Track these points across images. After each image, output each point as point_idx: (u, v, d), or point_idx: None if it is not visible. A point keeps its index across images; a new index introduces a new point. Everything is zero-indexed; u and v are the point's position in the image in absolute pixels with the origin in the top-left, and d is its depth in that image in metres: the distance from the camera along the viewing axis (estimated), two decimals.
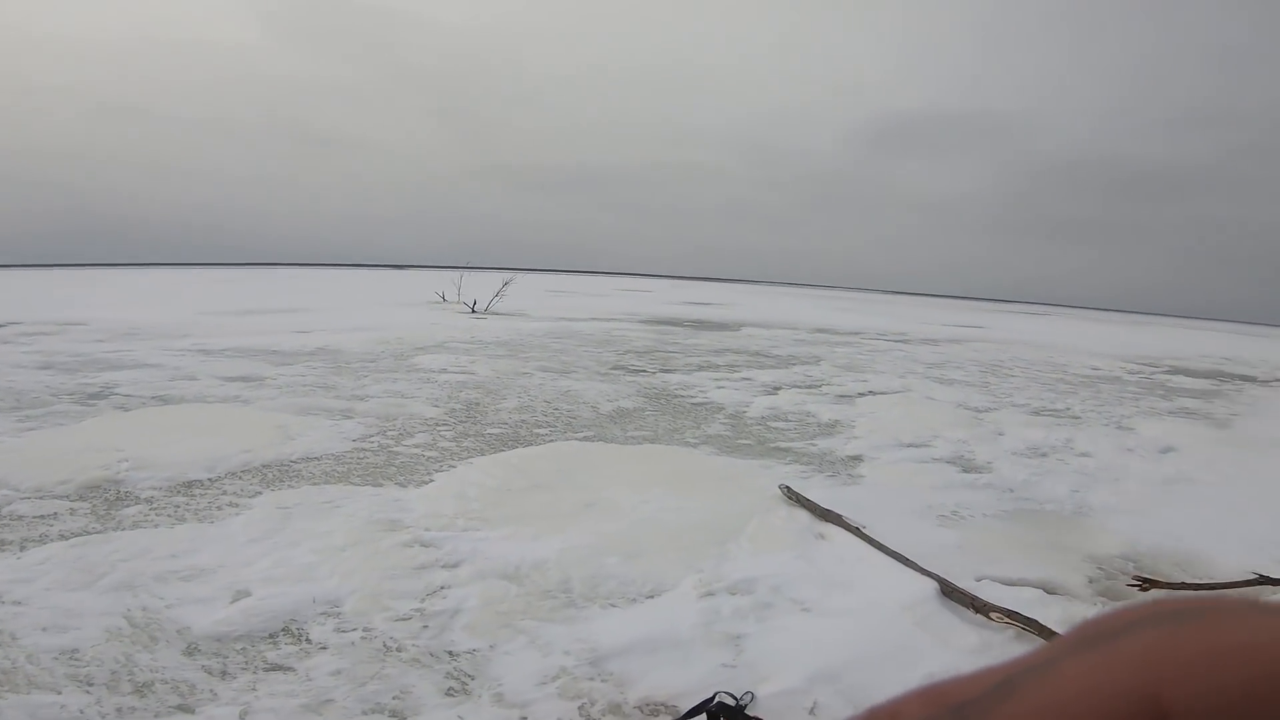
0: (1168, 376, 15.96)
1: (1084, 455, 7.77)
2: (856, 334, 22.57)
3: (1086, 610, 4.07)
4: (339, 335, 14.43)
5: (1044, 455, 7.71)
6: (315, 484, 5.56)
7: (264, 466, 5.93)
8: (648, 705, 3.14)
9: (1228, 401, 12.86)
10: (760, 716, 2.55)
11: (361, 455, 6.38)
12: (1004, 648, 3.63)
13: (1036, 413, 10.12)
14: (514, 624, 3.70)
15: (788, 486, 5.98)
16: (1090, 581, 4.54)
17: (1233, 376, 17.24)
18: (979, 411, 9.87)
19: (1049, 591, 4.30)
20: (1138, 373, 16.24)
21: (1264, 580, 4.41)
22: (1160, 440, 8.70)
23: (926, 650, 3.58)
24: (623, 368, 12.57)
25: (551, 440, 7.35)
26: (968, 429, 8.56)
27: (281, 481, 5.61)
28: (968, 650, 3.60)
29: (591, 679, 3.27)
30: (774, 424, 8.74)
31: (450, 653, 3.42)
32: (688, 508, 5.59)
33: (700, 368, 13.03)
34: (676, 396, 10.16)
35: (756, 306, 38.33)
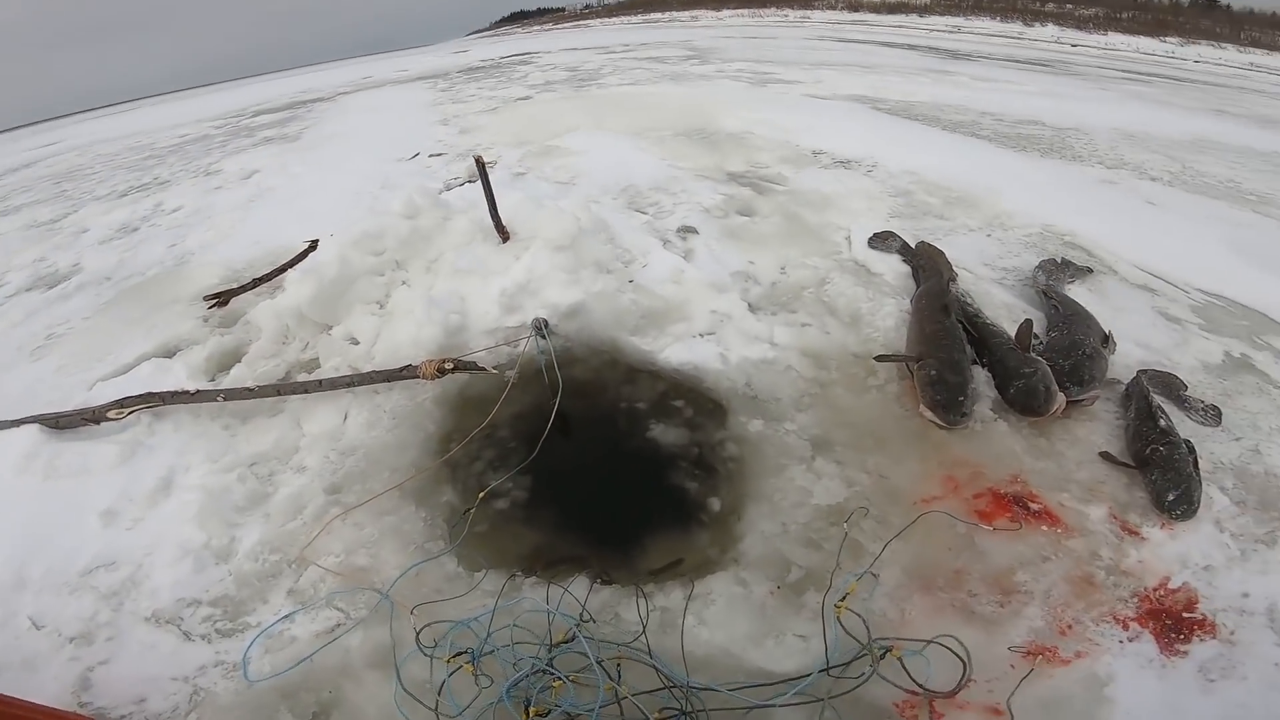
0: (252, 119, 16.59)
1: (175, 211, 7.35)
2: None
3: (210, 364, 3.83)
4: None
5: (135, 230, 6.92)
6: None
7: None
8: None
9: (300, 121, 14.36)
10: None
11: None
12: (143, 433, 3.21)
13: (123, 195, 8.90)
14: None
15: None
16: (204, 322, 4.28)
17: (307, 102, 19.28)
18: (50, 225, 7.96)
19: (167, 355, 3.93)
20: (224, 125, 16.28)
21: (312, 245, 4.52)
22: (244, 169, 9.01)
23: (71, 495, 2.93)
24: None
25: None
26: (38, 250, 6.79)
27: None
28: (112, 462, 3.07)
29: None
30: None
31: None
32: None
33: None
34: None
35: None
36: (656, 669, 1.98)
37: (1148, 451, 2.57)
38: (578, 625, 2.10)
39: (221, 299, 4.24)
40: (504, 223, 3.68)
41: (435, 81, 18.38)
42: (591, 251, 3.70)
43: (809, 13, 44.23)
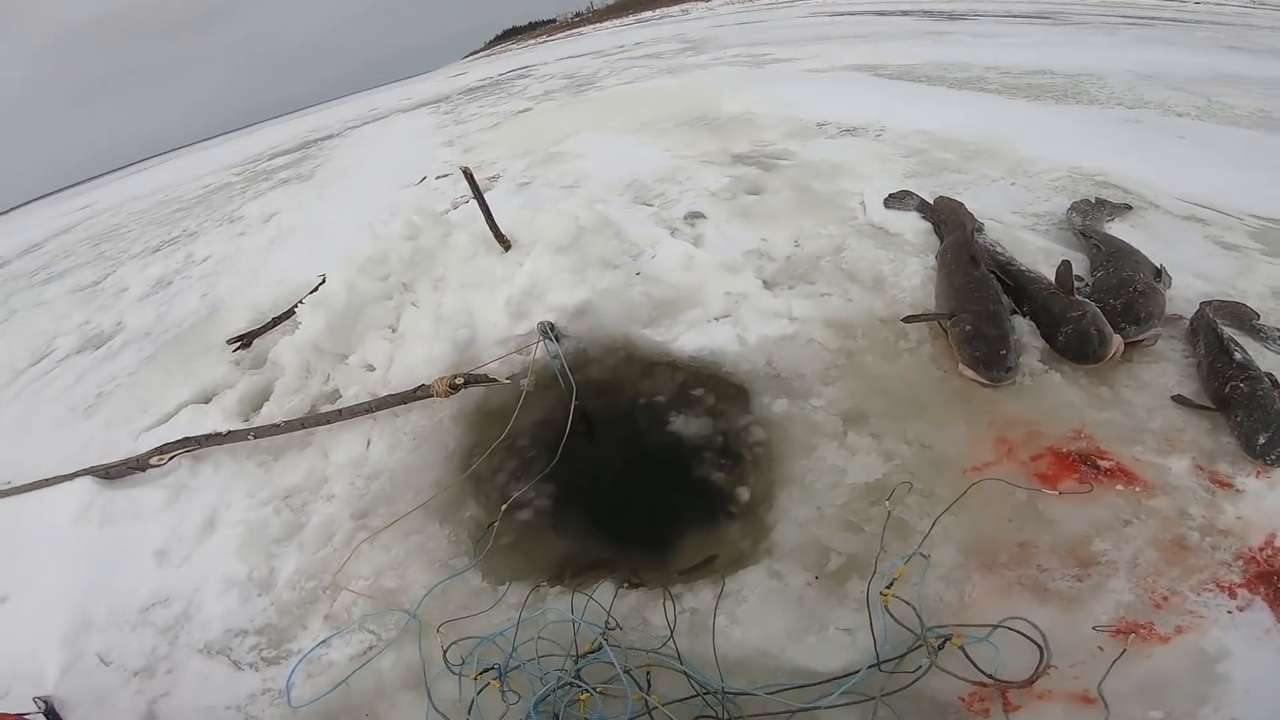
0: (268, 162, 17.12)
1: (205, 260, 7.61)
2: None
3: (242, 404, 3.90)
4: None
5: (169, 284, 7.16)
6: None
7: None
8: None
9: (313, 160, 14.76)
10: None
11: None
12: (186, 476, 3.32)
13: (156, 250, 9.24)
14: None
15: None
16: (236, 365, 4.38)
17: (318, 140, 19.77)
18: (93, 288, 8.31)
19: (204, 401, 4.07)
20: (243, 171, 16.80)
21: (322, 280, 4.56)
22: (264, 212, 9.24)
23: (126, 539, 3.09)
24: None
25: None
26: (84, 313, 7.09)
27: None
28: (160, 505, 3.21)
29: None
30: None
31: None
32: None
33: None
34: None
35: None
36: (688, 675, 1.86)
37: (1227, 390, 2.27)
38: (603, 634, 2.00)
39: (244, 341, 4.33)
40: (505, 232, 3.65)
41: (438, 105, 18.68)
42: (595, 249, 3.64)
43: None
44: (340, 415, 3.09)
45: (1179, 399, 2.41)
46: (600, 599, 2.15)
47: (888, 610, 1.87)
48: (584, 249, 3.50)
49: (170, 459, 3.38)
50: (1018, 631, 1.75)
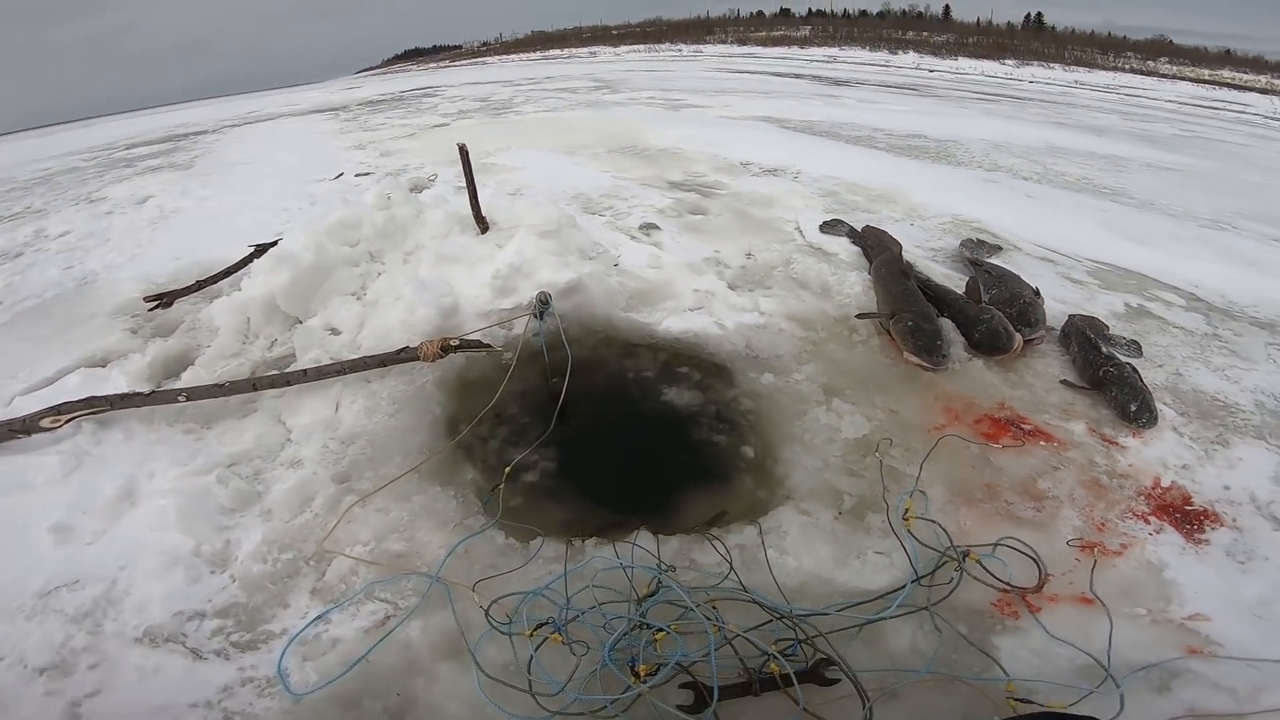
0: (126, 152, 15.24)
1: (63, 235, 6.64)
2: None
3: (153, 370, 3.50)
4: None
5: (18, 255, 6.19)
6: None
7: None
8: None
9: (186, 152, 13.39)
10: None
11: None
12: (87, 443, 2.91)
13: None
14: None
15: None
16: (133, 333, 3.96)
17: (188, 135, 17.92)
18: None
19: (97, 365, 3.57)
20: (94, 158, 14.82)
21: (258, 250, 4.40)
22: (134, 195, 8.29)
23: (8, 513, 2.62)
24: None
25: None
26: None
27: None
28: (54, 475, 2.77)
29: None
30: None
31: None
32: None
33: None
34: None
35: None
36: (759, 602, 1.95)
37: (1100, 374, 2.94)
38: (662, 573, 2.01)
39: (164, 300, 3.91)
40: (483, 214, 3.67)
41: (336, 113, 17.78)
42: (573, 239, 3.76)
43: (701, 48, 47.33)
44: (305, 376, 2.89)
45: (1065, 383, 3.07)
46: (643, 546, 2.18)
47: (912, 534, 2.18)
48: (564, 238, 3.61)
49: (68, 421, 2.93)
50: (1015, 549, 2.13)
